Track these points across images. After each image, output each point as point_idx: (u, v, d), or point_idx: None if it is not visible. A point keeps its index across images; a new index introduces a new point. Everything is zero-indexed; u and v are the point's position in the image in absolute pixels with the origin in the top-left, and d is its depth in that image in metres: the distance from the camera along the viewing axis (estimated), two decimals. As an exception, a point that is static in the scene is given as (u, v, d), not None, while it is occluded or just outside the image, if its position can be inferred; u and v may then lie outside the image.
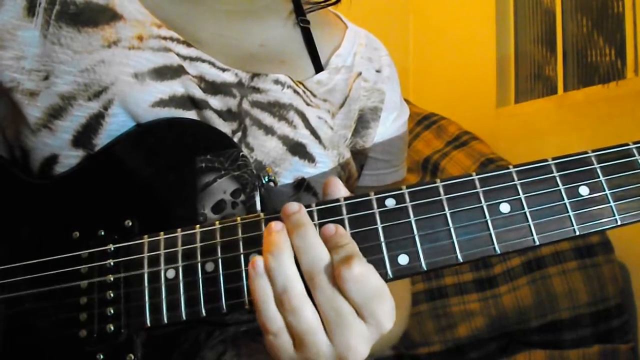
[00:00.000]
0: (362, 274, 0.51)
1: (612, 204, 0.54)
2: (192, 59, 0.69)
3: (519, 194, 0.55)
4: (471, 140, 2.59)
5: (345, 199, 0.56)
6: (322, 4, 0.85)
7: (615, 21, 2.37)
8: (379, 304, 0.51)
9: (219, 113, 0.68)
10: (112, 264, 0.59)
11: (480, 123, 2.75)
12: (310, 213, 0.56)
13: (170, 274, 0.57)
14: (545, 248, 2.01)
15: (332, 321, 0.51)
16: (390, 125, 0.85)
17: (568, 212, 0.54)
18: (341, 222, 0.55)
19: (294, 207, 0.54)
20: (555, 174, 0.55)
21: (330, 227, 0.53)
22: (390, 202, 0.55)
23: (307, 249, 0.52)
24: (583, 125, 2.32)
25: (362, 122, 0.81)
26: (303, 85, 0.75)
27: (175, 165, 0.62)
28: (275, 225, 0.53)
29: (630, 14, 2.25)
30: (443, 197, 0.55)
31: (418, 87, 3.45)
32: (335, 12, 0.89)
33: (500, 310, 2.01)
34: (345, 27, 0.86)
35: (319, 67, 0.79)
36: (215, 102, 0.68)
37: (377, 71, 0.84)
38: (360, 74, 0.82)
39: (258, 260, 0.52)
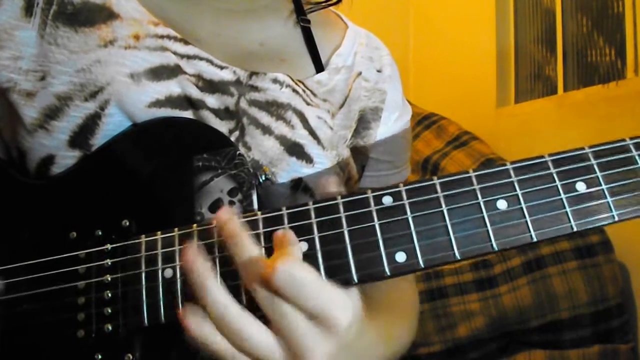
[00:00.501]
0: (284, 264, 0.49)
1: (609, 199, 0.54)
2: (189, 57, 0.69)
3: (516, 191, 0.55)
4: (471, 140, 2.60)
5: (343, 197, 0.56)
6: (324, 4, 0.85)
7: (615, 21, 2.37)
8: (317, 299, 0.50)
9: (216, 112, 0.68)
10: (109, 263, 0.59)
11: (480, 123, 2.75)
12: (307, 212, 0.56)
13: (168, 273, 0.56)
14: (545, 248, 2.01)
15: (282, 329, 0.50)
16: (392, 125, 0.84)
17: (565, 208, 0.54)
18: (338, 220, 0.55)
19: (225, 216, 0.53)
20: (552, 170, 0.55)
21: (278, 233, 0.53)
22: (387, 200, 0.55)
23: (241, 255, 0.51)
24: (583, 125, 2.32)
25: (363, 123, 0.81)
26: (303, 84, 0.75)
27: (172, 164, 0.62)
28: (189, 254, 0.52)
29: (630, 14, 2.25)
30: (440, 194, 0.55)
31: (418, 86, 3.45)
32: (336, 11, 0.89)
33: (500, 310, 2.01)
34: (346, 27, 0.86)
35: (319, 67, 0.79)
36: (213, 100, 0.68)
37: (378, 71, 0.84)
38: (360, 73, 0.82)
39: (185, 312, 0.51)
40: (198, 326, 0.51)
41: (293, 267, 0.49)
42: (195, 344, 0.52)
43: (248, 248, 0.52)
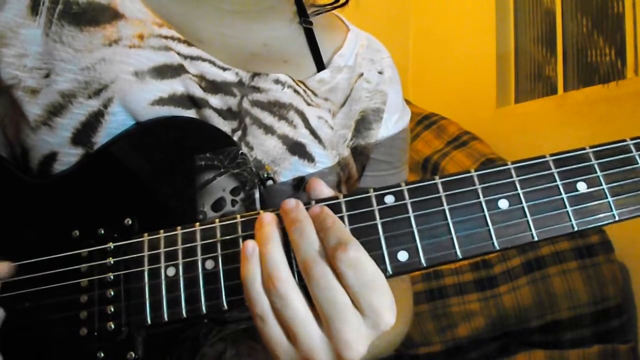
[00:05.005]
0: (357, 257, 0.50)
1: (609, 199, 0.55)
2: (192, 58, 0.69)
3: (517, 190, 0.55)
4: (471, 140, 2.60)
5: (345, 195, 0.56)
6: (329, 7, 0.85)
7: (615, 21, 2.37)
8: (376, 295, 0.51)
9: (219, 112, 0.68)
10: (112, 262, 0.59)
11: (480, 123, 2.75)
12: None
13: (171, 271, 0.57)
14: (545, 248, 2.01)
15: (328, 314, 0.51)
16: (392, 127, 0.85)
17: (566, 207, 0.54)
18: (341, 219, 0.55)
19: (292, 204, 0.54)
20: (553, 170, 0.56)
21: (316, 208, 0.54)
22: (389, 199, 0.55)
23: (302, 240, 0.52)
24: (583, 125, 2.32)
25: (365, 123, 0.81)
26: (304, 84, 0.75)
27: (174, 163, 0.63)
28: (265, 217, 0.54)
29: (630, 14, 2.25)
30: (442, 193, 0.55)
31: (418, 87, 3.45)
32: (337, 14, 0.89)
33: (500, 310, 2.01)
34: (347, 29, 0.87)
35: (321, 67, 0.80)
36: (216, 101, 0.68)
37: (379, 72, 0.85)
38: (362, 74, 0.82)
39: (249, 243, 0.53)
40: (250, 269, 0.52)
41: (365, 257, 0.51)
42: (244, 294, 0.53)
43: (308, 233, 0.52)
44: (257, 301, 0.52)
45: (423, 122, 2.73)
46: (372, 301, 0.51)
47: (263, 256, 0.52)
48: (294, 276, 0.52)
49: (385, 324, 0.51)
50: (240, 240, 0.56)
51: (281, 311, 0.51)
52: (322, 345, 0.51)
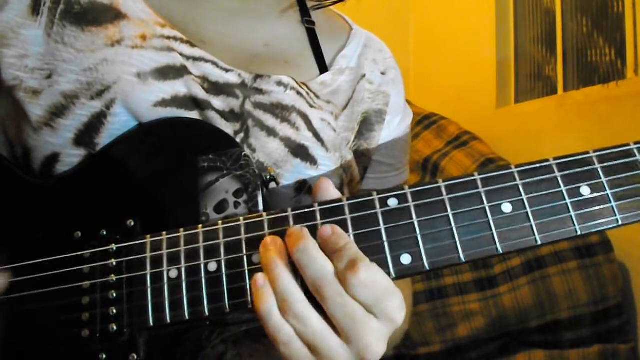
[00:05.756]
0: (369, 277, 0.51)
1: (613, 204, 0.55)
2: (195, 59, 0.69)
3: (520, 194, 0.55)
4: (471, 140, 2.59)
5: (348, 199, 0.56)
6: (328, 2, 0.85)
7: (615, 21, 2.37)
8: (389, 301, 0.52)
9: (222, 113, 0.68)
10: (114, 263, 0.59)
11: (480, 123, 2.75)
12: (312, 213, 0.56)
13: (173, 273, 0.57)
14: (545, 248, 2.01)
15: (346, 326, 0.52)
16: (394, 128, 0.85)
17: (570, 212, 0.54)
18: (344, 222, 0.55)
19: (297, 228, 0.55)
20: (557, 174, 0.56)
21: (327, 229, 0.54)
22: (392, 202, 0.55)
23: (309, 262, 0.53)
24: (583, 125, 2.32)
25: (367, 125, 0.81)
26: (307, 86, 0.75)
27: (177, 165, 0.63)
28: (268, 241, 0.54)
29: (630, 14, 2.25)
30: (445, 197, 0.55)
31: (418, 87, 3.45)
32: (340, 13, 0.89)
33: (500, 310, 2.01)
34: (350, 29, 0.87)
35: (323, 68, 0.79)
36: (218, 102, 0.68)
37: (382, 73, 0.84)
38: (364, 76, 0.82)
39: (258, 277, 0.53)
40: (266, 301, 0.52)
41: (375, 274, 0.52)
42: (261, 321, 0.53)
43: (314, 254, 0.53)
44: (280, 330, 0.52)
45: (423, 122, 2.72)
46: (386, 307, 0.52)
47: (274, 282, 0.53)
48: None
49: (397, 322, 0.53)
50: (244, 242, 0.56)
51: (303, 332, 0.52)
52: (343, 352, 0.53)
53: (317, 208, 0.56)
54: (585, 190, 0.55)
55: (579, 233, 0.54)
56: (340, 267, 0.52)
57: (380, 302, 0.52)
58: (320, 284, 0.52)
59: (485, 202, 0.55)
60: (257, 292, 0.53)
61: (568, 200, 0.55)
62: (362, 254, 0.53)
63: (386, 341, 0.54)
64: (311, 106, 0.73)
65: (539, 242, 0.54)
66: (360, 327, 0.52)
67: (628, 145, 0.57)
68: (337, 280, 0.52)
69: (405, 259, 0.54)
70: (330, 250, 0.53)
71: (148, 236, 0.59)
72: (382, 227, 0.55)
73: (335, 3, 0.85)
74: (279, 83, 0.72)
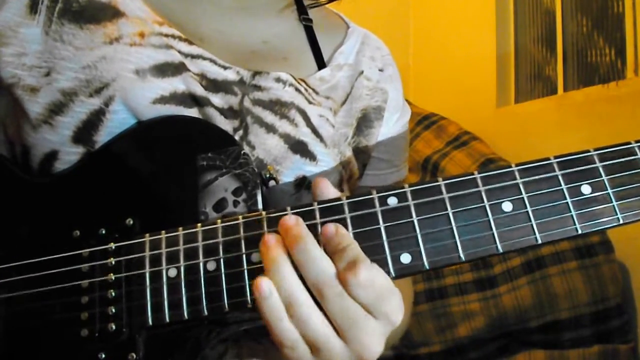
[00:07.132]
0: (369, 278, 0.51)
1: (614, 203, 0.54)
2: (193, 56, 0.69)
3: (521, 193, 0.55)
4: (471, 140, 2.59)
5: (348, 197, 0.56)
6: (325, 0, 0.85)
7: (615, 21, 2.37)
8: (387, 302, 0.52)
9: (221, 110, 0.68)
10: (113, 262, 0.59)
11: (480, 123, 2.74)
12: (312, 212, 0.56)
13: (172, 272, 0.57)
14: (545, 248, 2.01)
15: (345, 326, 0.52)
16: (393, 125, 0.85)
17: (570, 211, 0.54)
18: (343, 221, 0.55)
19: (291, 221, 0.54)
20: (558, 172, 0.55)
21: (331, 228, 0.54)
22: (392, 201, 0.55)
23: (309, 262, 0.52)
24: (583, 125, 2.32)
25: (366, 122, 0.81)
26: (305, 82, 0.75)
27: (176, 163, 0.62)
28: (269, 239, 0.53)
29: (630, 14, 2.25)
30: (445, 195, 0.55)
31: (418, 87, 3.45)
32: (337, 11, 0.90)
33: (500, 310, 2.01)
34: (347, 27, 0.87)
35: (321, 64, 0.79)
36: (217, 99, 0.68)
37: (380, 70, 0.85)
38: (362, 72, 0.82)
39: (264, 283, 0.52)
40: (274, 307, 0.52)
41: (375, 274, 0.52)
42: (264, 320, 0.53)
43: (314, 253, 0.53)
44: (287, 335, 0.52)
45: (423, 122, 2.72)
46: (384, 308, 0.52)
47: (278, 284, 0.52)
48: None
49: (395, 322, 0.53)
50: (243, 241, 0.56)
51: (304, 333, 0.52)
52: (343, 352, 0.53)
53: (316, 207, 0.56)
54: (586, 189, 0.55)
55: (579, 232, 0.54)
56: (340, 267, 0.52)
57: (379, 303, 0.52)
58: (321, 285, 0.52)
59: (485, 200, 0.55)
60: (263, 299, 0.52)
61: (569, 199, 0.54)
62: (364, 254, 0.53)
63: (384, 341, 0.54)
64: (310, 102, 0.73)
65: (540, 241, 0.54)
66: (359, 328, 0.52)
67: (629, 143, 0.56)
68: (337, 281, 0.52)
69: (405, 258, 0.54)
70: (332, 250, 0.53)
71: (147, 235, 0.59)
72: (382, 225, 0.55)
73: (331, 1, 0.85)
74: (278, 80, 0.72)
